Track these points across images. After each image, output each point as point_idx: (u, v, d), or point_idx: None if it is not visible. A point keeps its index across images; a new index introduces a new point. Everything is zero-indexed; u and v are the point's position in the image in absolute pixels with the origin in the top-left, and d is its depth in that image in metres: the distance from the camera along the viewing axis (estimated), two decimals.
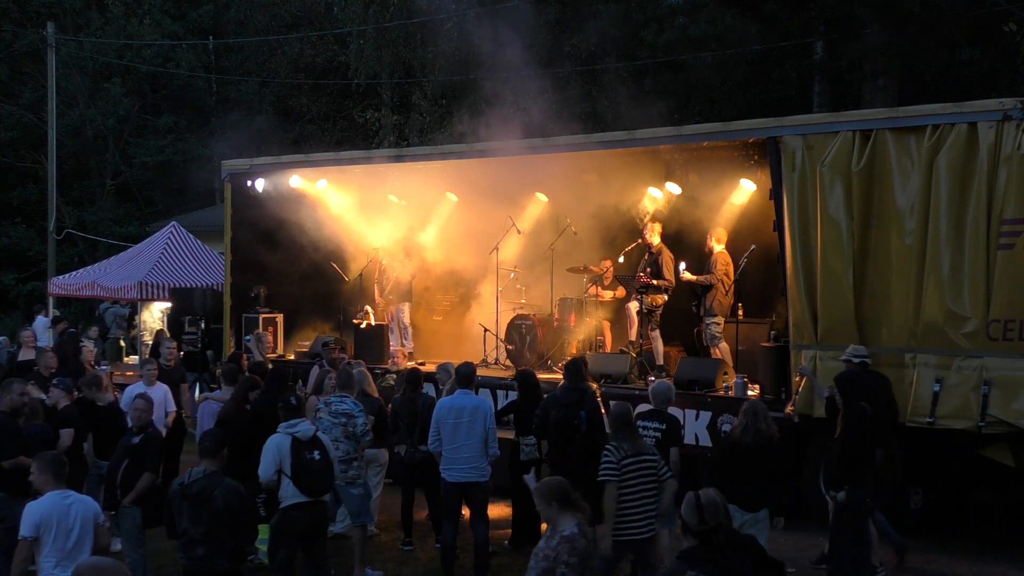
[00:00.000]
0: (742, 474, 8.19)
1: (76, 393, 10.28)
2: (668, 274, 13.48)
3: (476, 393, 9.93)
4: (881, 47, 18.07)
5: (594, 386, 10.91)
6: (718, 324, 12.91)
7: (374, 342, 15.48)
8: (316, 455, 8.27)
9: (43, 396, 10.19)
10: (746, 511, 8.11)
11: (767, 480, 8.29)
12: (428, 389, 11.59)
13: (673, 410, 10.26)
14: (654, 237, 13.73)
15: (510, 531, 10.62)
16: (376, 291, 16.07)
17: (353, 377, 10.31)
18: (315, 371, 12.71)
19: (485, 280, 15.70)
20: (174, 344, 13.91)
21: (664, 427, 9.17)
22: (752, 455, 8.29)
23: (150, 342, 21.20)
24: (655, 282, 13.44)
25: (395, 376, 13.08)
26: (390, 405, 10.95)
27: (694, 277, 12.99)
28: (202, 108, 31.97)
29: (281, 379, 10.77)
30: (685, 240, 14.16)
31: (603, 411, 10.42)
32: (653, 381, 11.09)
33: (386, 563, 10.02)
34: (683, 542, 5.38)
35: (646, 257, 13.84)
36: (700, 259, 13.42)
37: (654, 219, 14.08)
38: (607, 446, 8.03)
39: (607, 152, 13.79)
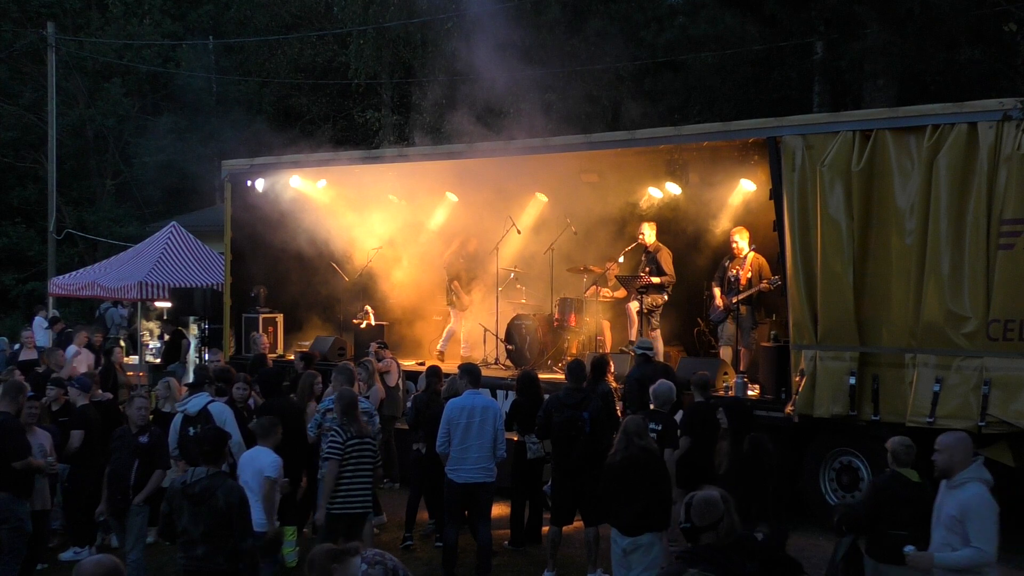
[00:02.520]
0: (621, 497, 7.63)
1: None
2: (668, 268, 13.51)
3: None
4: (881, 47, 18.07)
5: (614, 385, 10.83)
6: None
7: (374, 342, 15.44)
8: None
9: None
10: (626, 535, 7.62)
11: (651, 501, 7.63)
12: None
13: None
14: (650, 236, 13.78)
15: (509, 531, 10.61)
16: (458, 286, 15.74)
17: (356, 375, 10.32)
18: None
19: (485, 280, 15.70)
20: (220, 354, 13.98)
21: (660, 428, 9.16)
22: (630, 475, 7.62)
23: (151, 343, 21.18)
24: (656, 280, 13.47)
25: None
26: (409, 402, 10.93)
27: (769, 286, 12.48)
28: (202, 108, 31.95)
29: (272, 381, 10.68)
30: (685, 239, 14.19)
31: (619, 412, 10.46)
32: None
33: None
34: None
35: (644, 257, 13.87)
36: (713, 260, 13.48)
37: (649, 219, 14.11)
38: (334, 427, 8.34)
39: (607, 152, 13.79)
